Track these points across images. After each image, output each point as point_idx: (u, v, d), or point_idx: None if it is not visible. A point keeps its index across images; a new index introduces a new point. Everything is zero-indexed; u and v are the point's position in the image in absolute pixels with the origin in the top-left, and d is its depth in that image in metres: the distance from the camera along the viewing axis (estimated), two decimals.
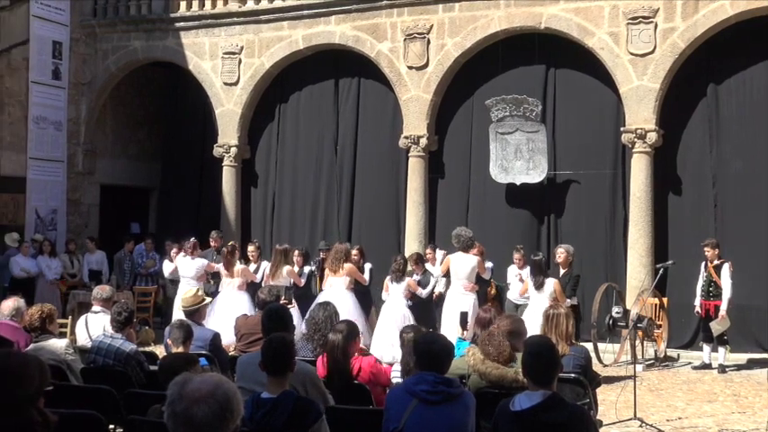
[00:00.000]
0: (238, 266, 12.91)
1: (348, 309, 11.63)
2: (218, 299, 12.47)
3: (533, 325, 8.29)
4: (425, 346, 5.11)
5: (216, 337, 7.91)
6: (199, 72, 17.85)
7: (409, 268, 12.88)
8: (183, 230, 16.07)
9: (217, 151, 17.64)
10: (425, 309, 12.74)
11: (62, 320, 10.88)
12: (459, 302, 11.58)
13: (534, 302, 11.30)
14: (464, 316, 9.13)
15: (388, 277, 12.60)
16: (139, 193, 20.36)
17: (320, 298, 11.45)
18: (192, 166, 18.87)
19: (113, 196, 19.50)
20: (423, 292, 12.79)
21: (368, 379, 6.46)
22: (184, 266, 13.46)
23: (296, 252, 13.63)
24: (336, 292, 12.02)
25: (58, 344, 7.16)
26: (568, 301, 11.25)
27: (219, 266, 13.31)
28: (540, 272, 11.40)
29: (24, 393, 3.55)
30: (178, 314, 12.18)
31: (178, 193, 19.09)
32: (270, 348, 4.97)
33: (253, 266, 13.47)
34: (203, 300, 8.67)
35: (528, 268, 13.55)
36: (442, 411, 4.82)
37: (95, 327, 8.43)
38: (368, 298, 13.29)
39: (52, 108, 18.00)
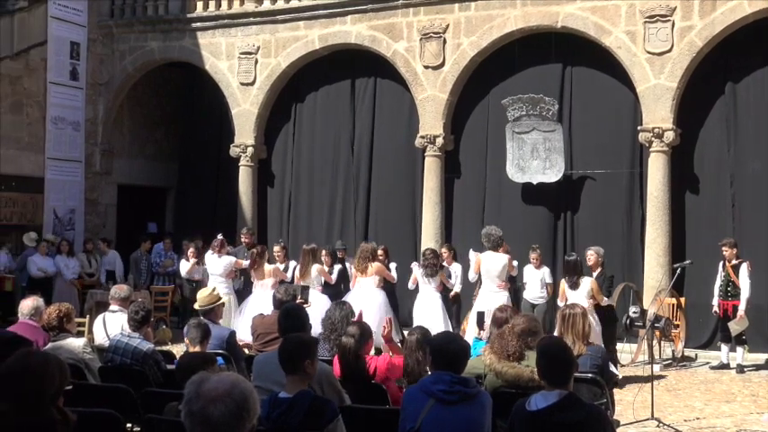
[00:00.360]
0: (269, 267, 12.85)
1: (380, 307, 11.79)
2: (250, 299, 12.48)
3: None
4: (442, 346, 5.11)
5: (232, 336, 7.94)
6: (215, 72, 17.90)
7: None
8: (199, 230, 16.20)
9: (233, 151, 17.69)
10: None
11: (80, 320, 10.94)
12: (491, 301, 11.33)
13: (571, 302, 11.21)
14: (481, 316, 9.09)
15: (420, 271, 12.70)
16: (156, 192, 20.44)
17: (350, 298, 11.53)
18: (209, 166, 18.93)
19: (130, 196, 19.57)
20: (452, 283, 13.33)
21: (384, 377, 6.47)
22: (212, 264, 13.50)
23: (323, 251, 13.64)
24: (367, 291, 12.17)
25: (75, 343, 7.20)
26: (606, 300, 11.34)
27: (247, 263, 13.33)
28: (575, 272, 11.35)
29: (45, 392, 3.59)
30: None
31: (195, 193, 19.16)
32: (285, 346, 4.97)
33: (281, 267, 13.45)
34: (219, 299, 8.71)
35: (544, 268, 13.59)
36: (459, 411, 4.82)
37: (113, 326, 8.49)
38: (394, 297, 13.44)
39: (70, 108, 18.12)
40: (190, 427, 2.82)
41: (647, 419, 8.73)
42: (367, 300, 11.70)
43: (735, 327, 12.24)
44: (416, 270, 12.93)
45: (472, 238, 13.95)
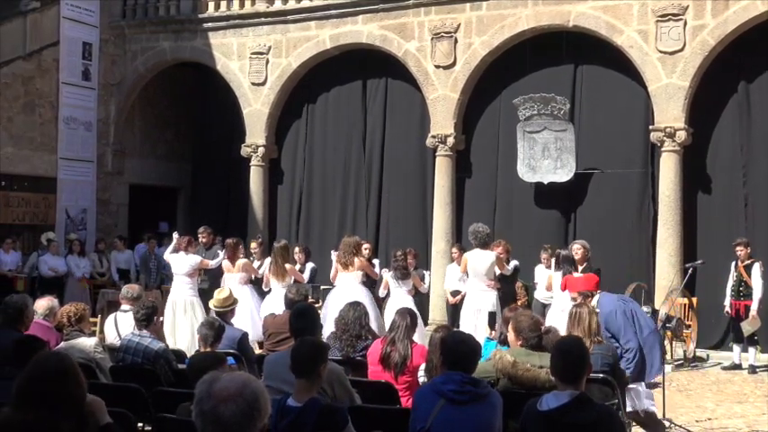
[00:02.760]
0: (240, 261, 12.58)
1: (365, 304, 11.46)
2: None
3: (557, 322, 8.25)
4: (453, 346, 5.10)
5: (244, 337, 7.95)
6: (227, 72, 17.94)
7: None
8: (211, 230, 16.16)
9: (244, 151, 17.72)
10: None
11: (92, 319, 10.96)
12: (478, 300, 11.30)
13: (559, 298, 11.20)
14: (492, 316, 9.07)
15: (389, 274, 12.19)
16: (168, 192, 20.50)
17: (333, 294, 11.30)
18: (220, 166, 18.97)
19: (142, 196, 19.64)
20: (425, 287, 12.95)
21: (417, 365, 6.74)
22: (177, 262, 12.73)
23: (296, 249, 13.28)
24: (351, 287, 11.36)
25: (87, 342, 7.23)
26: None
27: (213, 262, 12.95)
28: (570, 265, 11.19)
29: (81, 392, 3.64)
30: (169, 314, 12.13)
31: (206, 193, 19.20)
32: (298, 349, 4.92)
33: (256, 263, 13.25)
34: (234, 301, 8.77)
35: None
36: (469, 411, 4.80)
37: (124, 325, 8.52)
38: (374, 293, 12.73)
39: (82, 109, 18.20)
40: (201, 427, 2.83)
41: (659, 420, 8.69)
42: (351, 296, 10.61)
43: (747, 327, 12.19)
44: (386, 275, 12.34)
45: None
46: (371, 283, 12.54)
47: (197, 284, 12.85)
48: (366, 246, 13.09)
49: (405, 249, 12.71)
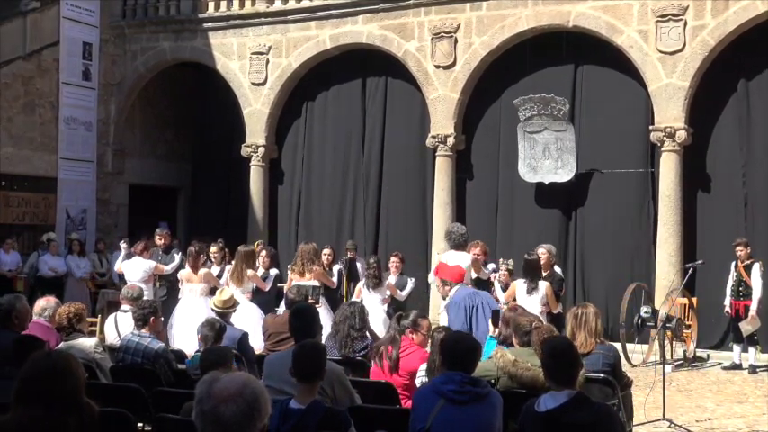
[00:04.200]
0: (202, 271, 11.57)
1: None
2: (178, 308, 11.39)
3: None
4: (452, 346, 5.10)
5: (244, 337, 7.95)
6: (227, 72, 17.94)
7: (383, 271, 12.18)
8: (211, 230, 16.19)
9: (244, 151, 17.72)
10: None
11: (91, 319, 10.94)
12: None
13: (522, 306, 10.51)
14: (496, 314, 8.95)
15: (361, 283, 11.84)
16: (168, 192, 20.49)
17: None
18: (221, 166, 18.96)
19: (142, 196, 19.63)
20: (402, 295, 12.33)
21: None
22: (131, 268, 12.10)
23: (263, 253, 12.55)
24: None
25: (87, 342, 7.22)
26: (559, 307, 10.37)
27: (168, 267, 12.45)
28: (536, 273, 10.24)
29: (79, 388, 3.69)
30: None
31: (206, 193, 19.20)
32: (302, 354, 4.89)
33: (216, 269, 12.52)
34: (235, 303, 8.79)
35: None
36: (469, 411, 4.80)
37: (124, 325, 8.52)
38: (336, 304, 11.62)
39: (83, 109, 18.19)
40: (201, 427, 2.83)
41: (659, 420, 8.70)
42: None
43: (746, 327, 12.19)
44: (360, 283, 11.95)
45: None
46: (329, 292, 11.96)
47: (154, 292, 12.12)
48: (327, 252, 12.56)
49: (377, 257, 12.32)
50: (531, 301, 9.87)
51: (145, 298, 11.23)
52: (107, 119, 18.91)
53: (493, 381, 5.86)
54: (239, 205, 18.18)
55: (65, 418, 3.55)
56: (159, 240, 13.47)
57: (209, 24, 18.14)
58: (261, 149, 17.55)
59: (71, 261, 16.04)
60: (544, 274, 10.57)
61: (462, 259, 10.32)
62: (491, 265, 11.98)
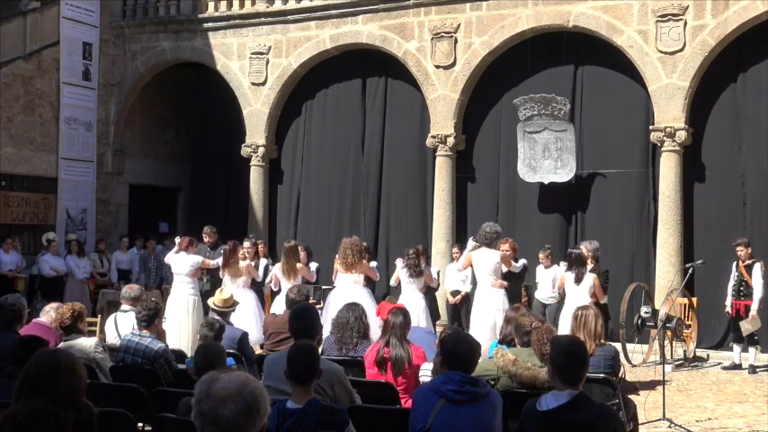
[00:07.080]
0: (242, 264, 12.46)
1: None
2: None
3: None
4: (452, 346, 5.09)
5: (244, 337, 7.97)
6: (227, 72, 17.94)
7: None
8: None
9: (244, 151, 17.72)
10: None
11: (91, 319, 10.98)
12: (487, 299, 11.05)
13: (572, 297, 10.95)
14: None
15: (403, 270, 11.88)
16: (168, 192, 20.49)
17: (333, 294, 11.11)
18: (220, 166, 18.97)
19: (142, 196, 19.64)
20: (435, 283, 12.73)
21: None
22: (177, 263, 12.60)
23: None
24: (352, 288, 11.18)
25: (87, 342, 7.23)
26: (605, 298, 11.08)
27: (214, 262, 12.90)
28: (581, 263, 10.97)
29: (80, 386, 3.75)
30: (172, 312, 12.04)
31: (206, 193, 19.20)
32: (296, 357, 4.82)
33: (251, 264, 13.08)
34: (234, 303, 8.80)
35: (555, 267, 13.46)
36: (469, 411, 4.80)
37: (124, 325, 8.54)
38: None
39: (83, 109, 18.20)
40: (200, 427, 2.82)
41: (659, 420, 8.71)
42: (352, 297, 10.09)
43: (747, 327, 12.19)
44: (400, 267, 12.08)
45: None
46: (372, 285, 12.37)
47: (199, 285, 12.76)
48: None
49: (416, 247, 12.34)
50: (580, 290, 10.80)
51: (189, 290, 12.11)
52: (107, 119, 18.91)
53: (493, 380, 5.87)
54: (239, 205, 18.19)
55: (64, 413, 3.60)
56: (206, 238, 14.19)
57: (209, 24, 18.14)
58: (261, 149, 17.55)
59: (71, 261, 16.06)
60: (590, 267, 11.17)
61: (493, 256, 11.16)
62: (522, 260, 12.43)
